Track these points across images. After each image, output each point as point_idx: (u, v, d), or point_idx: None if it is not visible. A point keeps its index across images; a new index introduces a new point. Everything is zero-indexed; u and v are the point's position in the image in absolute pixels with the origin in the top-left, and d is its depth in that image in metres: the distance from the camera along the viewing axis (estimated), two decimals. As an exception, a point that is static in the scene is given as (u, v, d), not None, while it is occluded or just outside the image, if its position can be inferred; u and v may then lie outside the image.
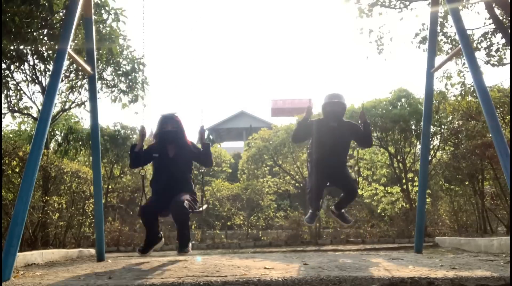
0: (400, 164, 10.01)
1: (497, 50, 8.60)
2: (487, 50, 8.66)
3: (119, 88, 8.58)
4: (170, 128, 3.92)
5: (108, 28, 7.03)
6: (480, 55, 8.72)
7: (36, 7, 5.41)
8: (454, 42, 8.80)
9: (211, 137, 31.32)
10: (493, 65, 8.74)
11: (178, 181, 3.84)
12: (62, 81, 8.30)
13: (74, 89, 8.84)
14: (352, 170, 4.76)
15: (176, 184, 3.80)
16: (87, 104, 8.65)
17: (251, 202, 11.36)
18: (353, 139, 4.61)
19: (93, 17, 4.67)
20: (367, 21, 8.94)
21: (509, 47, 8.31)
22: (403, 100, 10.16)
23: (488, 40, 8.59)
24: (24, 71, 8.20)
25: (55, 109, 8.83)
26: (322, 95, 4.49)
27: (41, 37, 6.22)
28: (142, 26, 4.48)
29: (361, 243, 8.80)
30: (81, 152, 11.29)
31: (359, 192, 10.44)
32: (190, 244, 3.77)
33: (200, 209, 4.00)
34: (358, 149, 5.59)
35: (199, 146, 4.14)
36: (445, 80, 9.01)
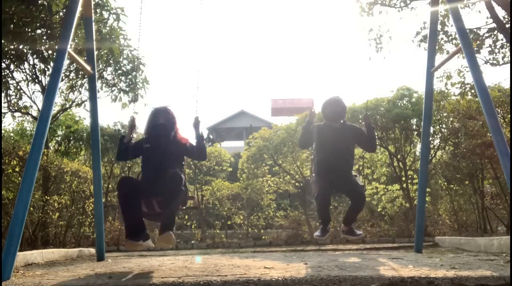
0: (400, 163, 10.01)
1: (502, 46, 8.59)
2: (491, 47, 8.64)
3: (119, 87, 8.58)
4: (162, 121, 3.74)
5: (108, 28, 7.03)
6: (481, 55, 8.73)
7: (35, 7, 5.41)
8: (454, 41, 8.79)
9: (211, 136, 31.31)
10: (492, 64, 8.74)
11: (166, 173, 3.36)
12: (62, 80, 8.30)
13: (74, 89, 8.84)
14: (360, 175, 4.69)
15: (164, 175, 3.37)
16: (87, 103, 8.66)
17: (251, 202, 11.36)
18: (356, 143, 4.46)
19: (93, 16, 4.66)
20: (367, 19, 8.94)
21: (509, 47, 8.31)
22: (405, 99, 10.17)
23: (494, 36, 8.57)
24: (24, 71, 8.20)
25: (55, 108, 8.84)
26: (323, 95, 4.43)
27: (41, 37, 6.22)
28: (139, 24, 4.44)
29: (361, 243, 8.79)
30: (81, 151, 11.32)
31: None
32: (173, 230, 3.29)
33: (193, 201, 3.84)
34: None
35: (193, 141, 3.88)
36: (445, 79, 9.02)
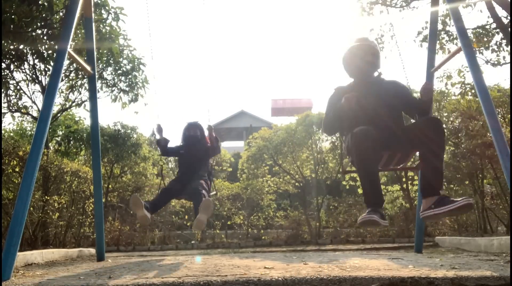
0: (400, 164, 10.01)
1: (507, 44, 8.57)
2: (497, 44, 8.62)
3: (119, 87, 8.58)
4: (192, 133, 5.00)
5: (108, 28, 7.03)
6: (481, 55, 8.73)
7: (36, 7, 5.42)
8: (456, 41, 8.79)
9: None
10: (493, 64, 8.74)
11: (195, 173, 4.84)
12: (62, 80, 8.30)
13: (74, 89, 8.84)
14: None
15: (194, 175, 4.82)
16: (87, 103, 8.66)
17: (251, 202, 11.35)
18: (405, 102, 3.14)
19: (93, 16, 4.67)
20: (368, 19, 8.94)
21: (509, 47, 8.30)
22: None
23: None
24: (24, 71, 8.20)
25: (55, 108, 8.84)
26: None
27: (41, 37, 6.22)
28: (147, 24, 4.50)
29: (361, 243, 8.80)
30: (81, 151, 11.31)
31: (359, 190, 10.41)
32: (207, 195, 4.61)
33: (213, 193, 5.13)
34: None
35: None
36: (445, 79, 9.02)
